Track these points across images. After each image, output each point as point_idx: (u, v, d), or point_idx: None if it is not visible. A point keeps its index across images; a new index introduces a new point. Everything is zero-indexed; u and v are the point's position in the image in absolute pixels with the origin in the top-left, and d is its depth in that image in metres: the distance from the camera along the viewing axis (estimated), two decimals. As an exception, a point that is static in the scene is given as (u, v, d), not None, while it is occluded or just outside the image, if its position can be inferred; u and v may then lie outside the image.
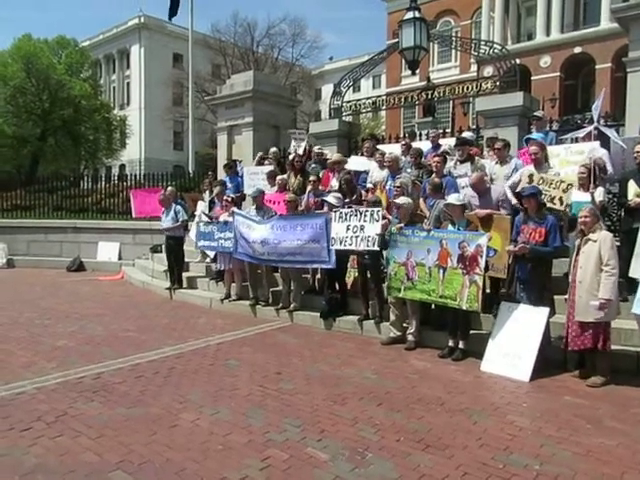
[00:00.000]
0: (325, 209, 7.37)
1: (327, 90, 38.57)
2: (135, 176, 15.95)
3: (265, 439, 3.79)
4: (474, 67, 37.74)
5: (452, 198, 5.75)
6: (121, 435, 3.84)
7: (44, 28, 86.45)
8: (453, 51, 40.59)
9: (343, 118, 10.83)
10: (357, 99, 11.15)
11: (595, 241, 4.92)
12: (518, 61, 32.01)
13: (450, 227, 5.84)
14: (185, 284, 9.55)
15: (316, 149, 9.40)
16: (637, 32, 7.36)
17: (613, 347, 5.09)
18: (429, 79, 24.46)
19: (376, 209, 6.57)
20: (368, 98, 10.91)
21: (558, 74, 32.64)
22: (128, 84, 50.65)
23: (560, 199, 5.76)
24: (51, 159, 31.64)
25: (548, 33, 33.51)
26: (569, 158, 6.43)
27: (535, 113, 7.60)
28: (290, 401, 4.56)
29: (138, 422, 4.08)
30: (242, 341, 6.62)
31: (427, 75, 29.15)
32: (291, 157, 9.60)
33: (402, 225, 6.16)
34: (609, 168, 6.07)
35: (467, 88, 9.02)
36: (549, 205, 5.64)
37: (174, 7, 19.57)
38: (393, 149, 8.72)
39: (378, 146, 9.23)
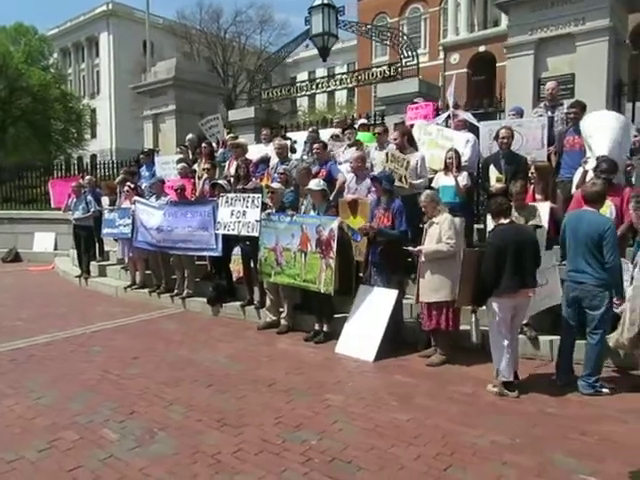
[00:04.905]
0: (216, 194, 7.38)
1: (302, 78, 38.37)
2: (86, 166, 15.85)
3: (70, 422, 3.86)
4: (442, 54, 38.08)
5: (312, 184, 5.82)
6: None
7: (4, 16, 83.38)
8: (422, 38, 40.74)
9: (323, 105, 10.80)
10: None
11: (437, 224, 5.05)
12: (484, 48, 32.69)
13: (312, 212, 5.92)
14: (96, 272, 9.57)
15: (229, 137, 9.37)
16: (515, 17, 7.38)
17: (461, 327, 5.23)
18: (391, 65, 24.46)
19: (256, 195, 6.63)
20: (284, 85, 10.89)
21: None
22: (98, 72, 49.74)
23: (405, 177, 5.85)
24: (12, 149, 31.17)
25: (512, 19, 33.58)
26: (438, 141, 6.49)
27: (415, 99, 7.65)
28: (125, 385, 4.63)
29: (-46, 408, 4.13)
30: (122, 328, 6.67)
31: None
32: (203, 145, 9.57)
33: (271, 211, 6.22)
34: (467, 155, 6.23)
35: (372, 75, 9.07)
36: (398, 184, 5.72)
37: None
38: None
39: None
